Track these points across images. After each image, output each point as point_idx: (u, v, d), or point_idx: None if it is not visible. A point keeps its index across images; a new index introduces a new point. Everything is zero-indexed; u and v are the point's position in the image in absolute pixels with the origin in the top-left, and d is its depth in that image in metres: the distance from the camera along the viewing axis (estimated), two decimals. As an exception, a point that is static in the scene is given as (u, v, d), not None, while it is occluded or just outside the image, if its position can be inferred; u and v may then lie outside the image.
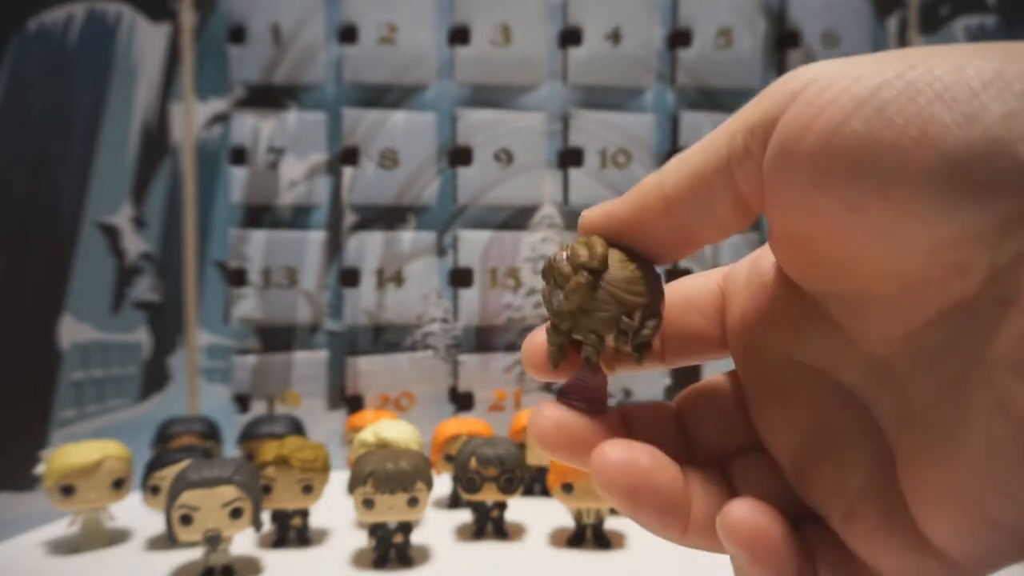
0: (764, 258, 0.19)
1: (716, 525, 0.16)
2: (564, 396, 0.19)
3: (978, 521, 0.13)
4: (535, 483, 0.59)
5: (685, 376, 0.70)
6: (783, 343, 0.18)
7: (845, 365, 0.17)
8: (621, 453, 0.17)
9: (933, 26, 0.72)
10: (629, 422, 0.20)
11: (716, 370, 0.21)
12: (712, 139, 0.16)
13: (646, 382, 0.69)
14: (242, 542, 0.48)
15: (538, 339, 0.19)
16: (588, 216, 0.19)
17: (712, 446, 0.20)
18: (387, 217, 0.68)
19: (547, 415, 0.18)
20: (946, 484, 0.14)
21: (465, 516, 0.52)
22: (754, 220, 0.17)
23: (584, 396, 0.18)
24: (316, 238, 0.68)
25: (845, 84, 0.14)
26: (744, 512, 0.16)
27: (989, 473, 0.13)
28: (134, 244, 0.65)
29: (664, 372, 0.70)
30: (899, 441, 0.15)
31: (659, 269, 0.19)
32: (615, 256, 0.18)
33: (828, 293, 0.16)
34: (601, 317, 0.17)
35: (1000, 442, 0.13)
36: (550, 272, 0.18)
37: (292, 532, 0.49)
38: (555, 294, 0.18)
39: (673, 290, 0.21)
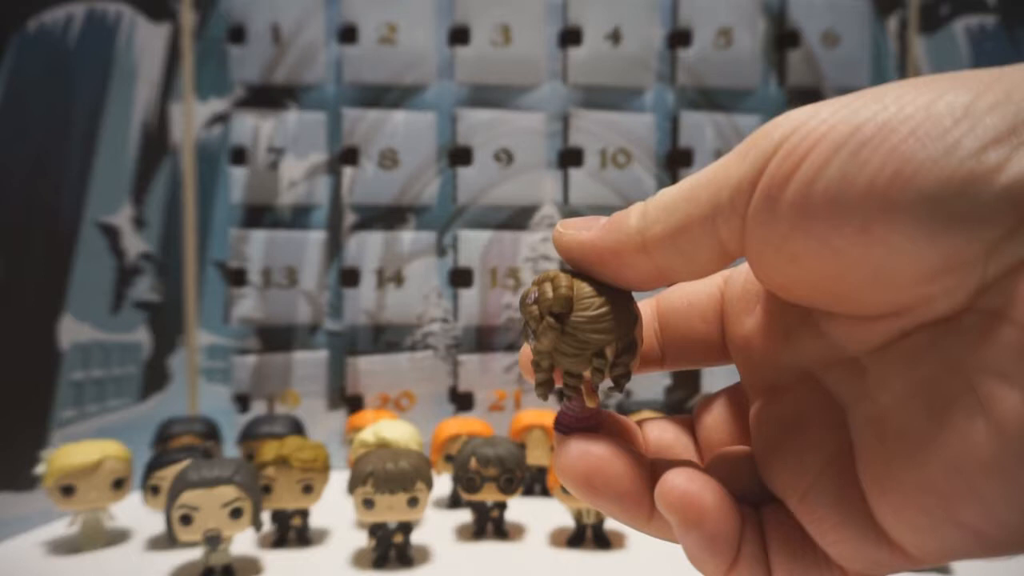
0: None
1: (655, 497, 0.17)
2: (558, 426, 0.19)
3: (942, 521, 0.14)
4: (535, 483, 0.59)
5: (685, 376, 0.70)
6: (777, 348, 0.18)
7: (829, 368, 0.17)
8: (578, 445, 0.18)
9: (933, 26, 0.72)
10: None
11: (715, 373, 0.22)
12: (694, 190, 0.16)
13: (646, 382, 0.70)
14: (242, 542, 0.49)
15: (527, 355, 0.19)
16: (563, 238, 0.18)
17: (713, 448, 0.20)
18: (387, 217, 0.68)
19: (573, 453, 0.18)
20: (912, 485, 0.14)
21: (465, 516, 0.52)
22: (732, 262, 0.17)
23: (577, 425, 0.19)
24: (316, 238, 0.68)
25: (823, 130, 0.14)
26: (678, 479, 0.16)
27: (961, 476, 0.13)
28: (134, 244, 0.65)
29: (664, 372, 0.70)
30: (864, 439, 0.16)
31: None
32: (583, 290, 0.18)
33: (812, 311, 0.17)
34: (573, 360, 0.18)
35: (976, 446, 0.13)
36: (522, 311, 0.19)
37: (292, 532, 0.49)
38: (529, 334, 0.18)
39: (675, 294, 0.21)
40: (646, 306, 0.21)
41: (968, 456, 0.13)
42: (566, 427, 0.19)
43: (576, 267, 0.18)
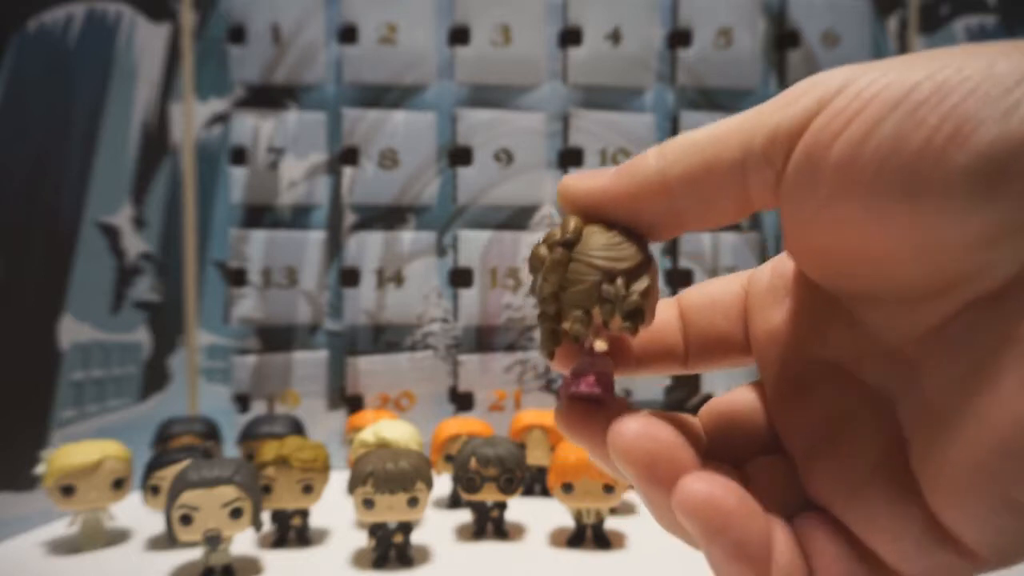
0: (786, 261, 0.19)
1: (671, 502, 0.15)
2: (566, 386, 0.18)
3: (1000, 505, 0.13)
4: (535, 483, 0.59)
5: (685, 377, 0.70)
6: (804, 342, 0.18)
7: (864, 360, 0.17)
8: (640, 425, 0.16)
9: (933, 26, 0.72)
10: None
11: (716, 373, 0.21)
12: (725, 134, 0.16)
13: (646, 382, 0.70)
14: (242, 542, 0.48)
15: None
16: (569, 186, 0.17)
17: (732, 453, 0.19)
18: (387, 217, 0.68)
19: (634, 432, 0.16)
20: (967, 469, 0.14)
21: (465, 516, 0.52)
22: (749, 215, 0.17)
23: (587, 383, 0.17)
24: (316, 238, 0.68)
25: (876, 89, 0.14)
26: (697, 483, 0.15)
27: (1013, 453, 0.13)
28: (134, 244, 0.65)
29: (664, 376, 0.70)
30: (916, 430, 0.15)
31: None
32: (592, 228, 0.17)
33: (850, 295, 0.16)
34: (580, 289, 0.16)
35: None
36: (531, 260, 0.18)
37: (292, 532, 0.49)
38: (536, 279, 0.17)
39: (697, 292, 0.21)
40: (668, 305, 0.21)
41: (1021, 432, 0.13)
42: (570, 386, 0.17)
43: (586, 217, 0.17)
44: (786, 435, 0.18)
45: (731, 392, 0.20)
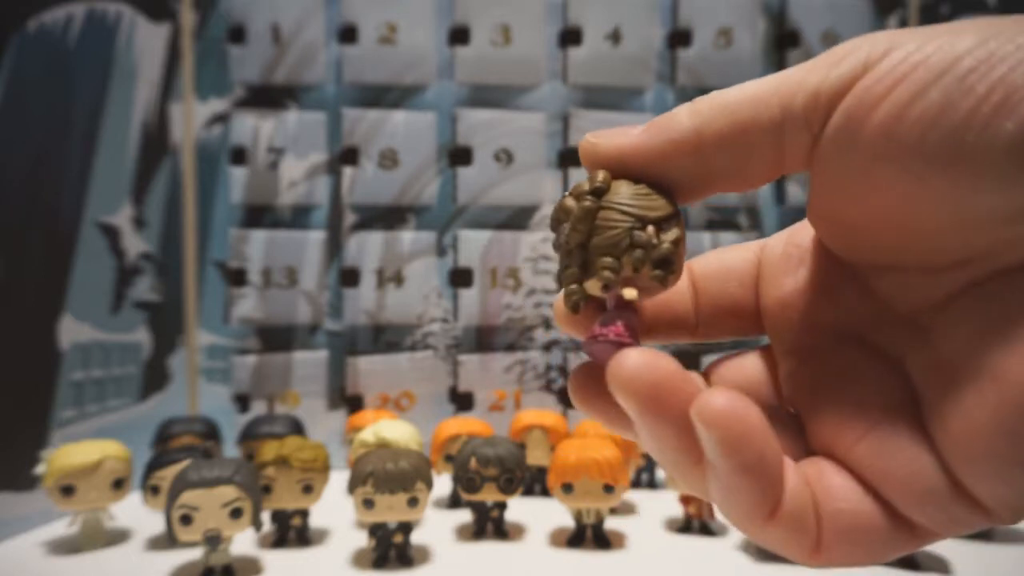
0: (801, 231, 0.19)
1: (690, 412, 0.14)
2: (592, 339, 0.17)
3: (1014, 463, 0.13)
4: (535, 483, 0.59)
5: (687, 362, 0.70)
6: (816, 309, 0.18)
7: (879, 327, 0.17)
8: (643, 355, 0.15)
9: (933, 26, 0.72)
10: None
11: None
12: (763, 93, 0.15)
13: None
14: (242, 542, 0.48)
15: (562, 306, 0.18)
16: (596, 144, 0.17)
17: None
18: (387, 217, 0.68)
19: (637, 362, 0.15)
20: (981, 427, 0.14)
21: (465, 516, 0.52)
22: (779, 176, 0.16)
23: (616, 330, 0.16)
24: (316, 238, 0.68)
25: (923, 55, 0.13)
26: (719, 395, 0.14)
27: None
28: (134, 244, 0.65)
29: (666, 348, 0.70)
30: (929, 388, 0.15)
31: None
32: (619, 181, 0.17)
33: (869, 264, 0.16)
34: (611, 236, 0.16)
35: None
36: (556, 214, 0.17)
37: (292, 532, 0.49)
38: (562, 231, 0.17)
39: (710, 260, 0.20)
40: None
41: None
42: (596, 338, 0.16)
43: (613, 173, 0.17)
44: (794, 392, 0.18)
45: (738, 357, 0.20)
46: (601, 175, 0.17)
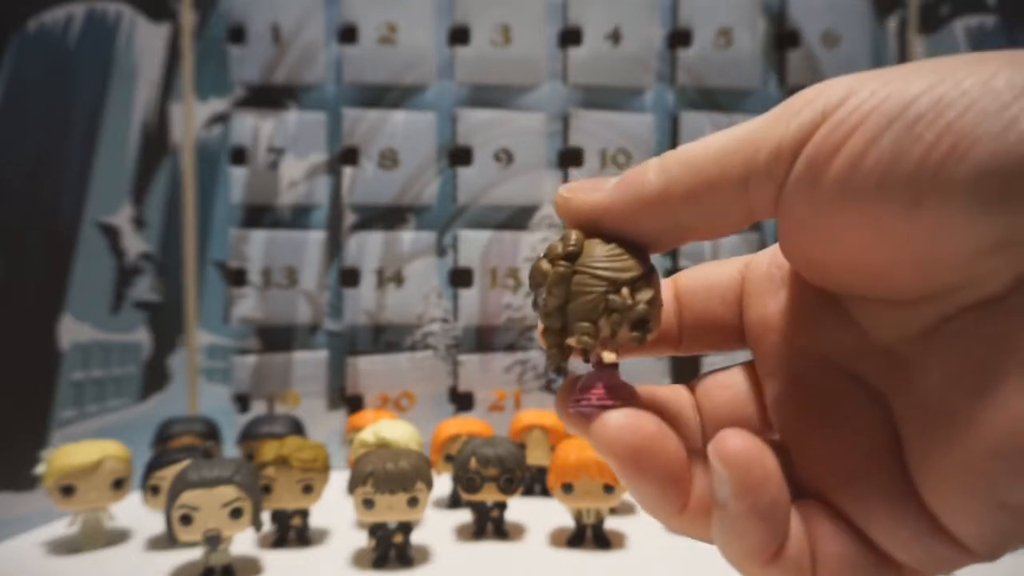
0: None
1: (708, 451, 0.15)
2: (575, 401, 0.17)
3: (991, 504, 0.14)
4: (535, 483, 0.59)
5: (684, 370, 0.70)
6: (798, 334, 0.18)
7: (861, 357, 0.17)
8: (625, 417, 0.16)
9: (933, 26, 0.72)
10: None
11: (716, 364, 0.21)
12: (728, 151, 0.16)
13: (646, 377, 0.69)
14: (242, 542, 0.48)
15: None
16: (569, 200, 0.17)
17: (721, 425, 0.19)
18: (387, 217, 0.68)
19: (618, 425, 0.16)
20: (959, 470, 0.14)
21: (465, 516, 0.52)
22: (751, 223, 0.17)
23: (597, 394, 0.17)
24: (316, 238, 0.68)
25: (876, 102, 0.14)
26: (738, 438, 0.15)
27: (1005, 455, 0.13)
28: (134, 244, 0.65)
29: (664, 365, 0.70)
30: (910, 428, 0.15)
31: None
32: (593, 240, 0.17)
33: (848, 296, 0.16)
34: (587, 301, 0.16)
35: (1023, 426, 0.13)
36: (532, 276, 0.17)
37: (292, 532, 0.49)
38: (539, 294, 0.17)
39: (695, 275, 0.21)
40: (664, 286, 0.20)
41: (1015, 436, 0.13)
42: (579, 400, 0.17)
43: (586, 231, 0.17)
44: (779, 420, 0.18)
45: (724, 372, 0.20)
46: (574, 236, 0.17)
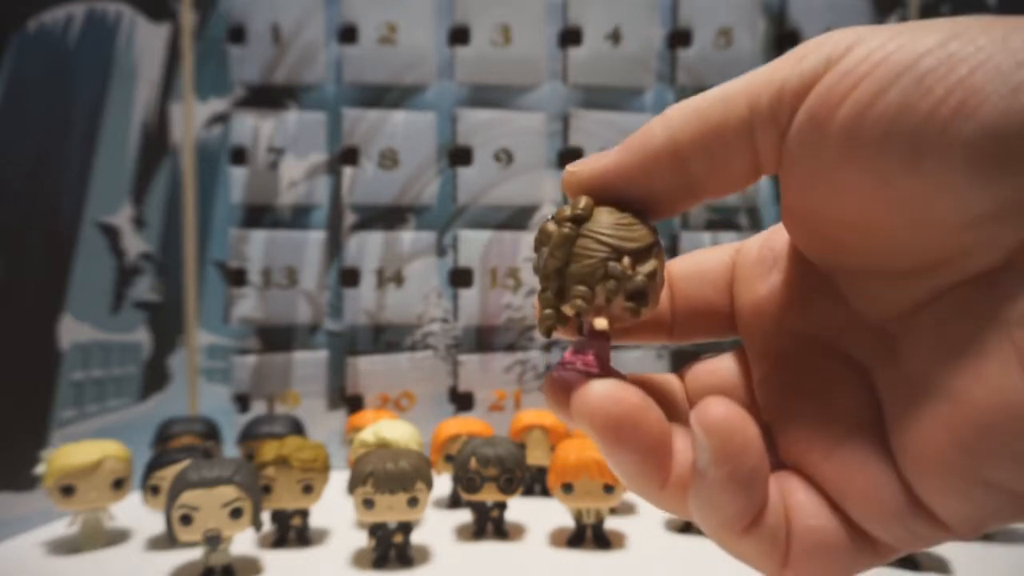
0: (776, 234, 0.19)
1: (690, 418, 0.15)
2: (562, 363, 0.17)
3: (973, 481, 0.13)
4: (535, 483, 0.59)
5: (683, 361, 0.70)
6: (788, 315, 0.18)
7: (849, 335, 0.16)
8: (609, 386, 0.16)
9: (933, 26, 0.72)
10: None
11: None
12: (731, 93, 0.15)
13: (644, 366, 0.69)
14: (242, 542, 0.48)
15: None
16: (576, 171, 0.17)
17: None
18: (387, 217, 0.68)
19: (600, 394, 0.15)
20: (941, 445, 0.14)
21: (465, 516, 0.52)
22: (760, 178, 0.16)
23: (585, 361, 0.17)
24: (316, 238, 0.68)
25: (884, 53, 0.13)
26: (720, 405, 0.14)
27: (992, 433, 0.13)
28: (134, 244, 0.65)
29: (664, 364, 0.70)
30: (893, 402, 0.15)
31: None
32: (602, 208, 0.17)
33: (839, 268, 0.16)
34: (587, 264, 0.16)
35: (1011, 401, 0.13)
36: (538, 236, 0.17)
37: (292, 532, 0.49)
38: (541, 255, 0.17)
39: (687, 261, 0.20)
40: None
41: (1002, 412, 0.13)
42: (566, 365, 0.17)
43: (596, 198, 0.17)
44: (765, 402, 0.18)
45: (714, 358, 0.20)
46: (583, 201, 0.17)
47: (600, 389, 0.15)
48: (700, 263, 0.20)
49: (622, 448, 0.15)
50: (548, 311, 0.17)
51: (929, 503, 0.14)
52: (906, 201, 0.13)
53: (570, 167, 0.17)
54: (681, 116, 0.16)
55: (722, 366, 0.20)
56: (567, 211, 0.17)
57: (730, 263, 0.20)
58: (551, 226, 0.17)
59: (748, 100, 0.15)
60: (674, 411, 0.19)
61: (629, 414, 0.15)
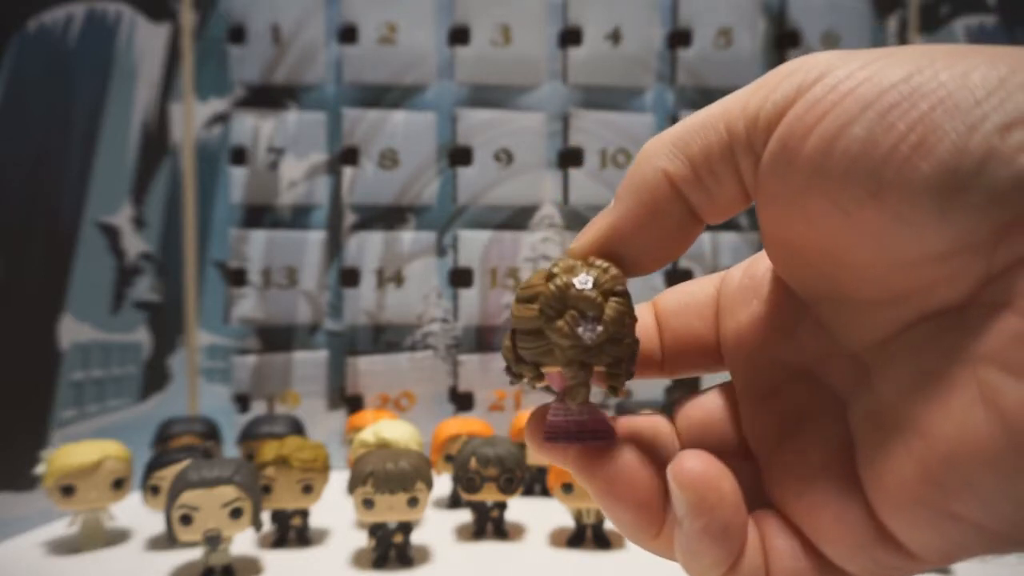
0: (759, 262, 0.19)
1: (667, 473, 0.16)
2: (549, 432, 0.18)
3: (941, 515, 0.13)
4: (535, 483, 0.59)
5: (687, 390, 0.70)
6: (770, 343, 0.18)
7: (828, 364, 0.17)
8: (601, 450, 0.17)
9: (933, 26, 0.72)
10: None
11: (715, 377, 0.21)
12: (713, 120, 0.16)
13: (646, 383, 0.69)
14: (242, 542, 0.48)
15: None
16: (590, 234, 0.17)
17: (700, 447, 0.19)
18: (387, 217, 0.68)
19: (595, 454, 0.17)
20: (908, 479, 0.14)
21: (465, 516, 0.52)
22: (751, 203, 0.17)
23: (577, 430, 0.17)
24: (316, 238, 0.68)
25: (852, 85, 0.13)
26: (695, 461, 0.15)
27: (959, 468, 0.13)
28: (134, 244, 0.65)
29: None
30: (863, 435, 0.15)
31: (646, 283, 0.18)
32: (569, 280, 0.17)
33: (816, 295, 0.16)
34: (628, 343, 0.16)
35: (975, 437, 0.13)
36: (569, 302, 0.16)
37: (292, 532, 0.49)
38: (583, 324, 0.16)
39: (675, 294, 0.21)
40: (644, 309, 0.20)
41: (967, 447, 0.13)
42: (565, 435, 0.17)
43: (613, 257, 0.17)
44: (751, 436, 0.18)
45: (703, 395, 0.20)
46: (615, 270, 0.17)
47: (593, 453, 0.17)
48: (686, 295, 0.20)
49: (617, 506, 0.17)
50: (584, 384, 0.17)
51: (898, 535, 0.14)
52: (869, 234, 0.14)
53: (573, 243, 0.18)
54: (660, 147, 0.16)
55: (710, 402, 0.20)
56: (602, 275, 0.16)
57: (714, 293, 0.20)
58: (593, 295, 0.16)
59: (728, 125, 0.15)
60: (665, 455, 0.19)
61: (622, 475, 0.17)
